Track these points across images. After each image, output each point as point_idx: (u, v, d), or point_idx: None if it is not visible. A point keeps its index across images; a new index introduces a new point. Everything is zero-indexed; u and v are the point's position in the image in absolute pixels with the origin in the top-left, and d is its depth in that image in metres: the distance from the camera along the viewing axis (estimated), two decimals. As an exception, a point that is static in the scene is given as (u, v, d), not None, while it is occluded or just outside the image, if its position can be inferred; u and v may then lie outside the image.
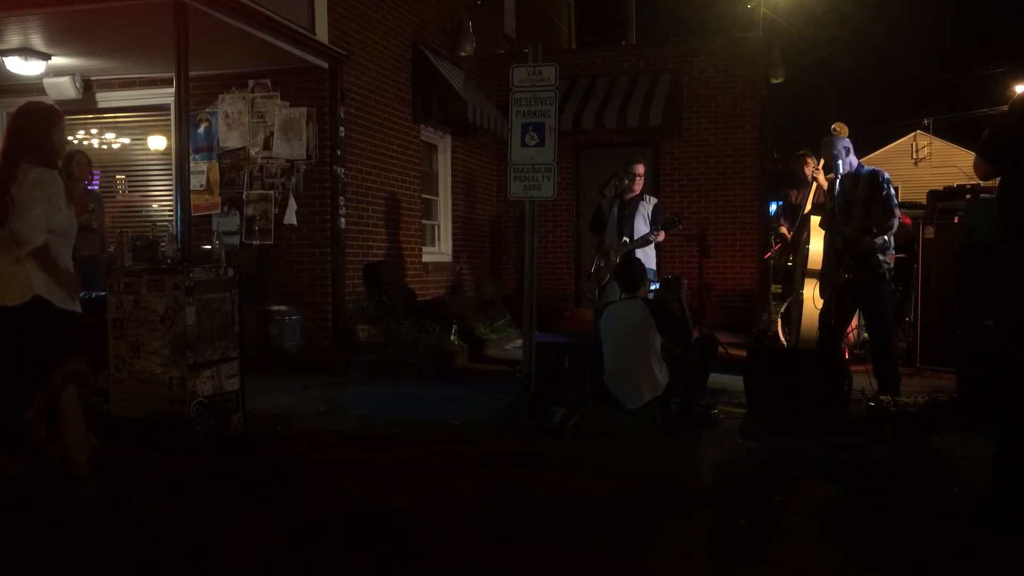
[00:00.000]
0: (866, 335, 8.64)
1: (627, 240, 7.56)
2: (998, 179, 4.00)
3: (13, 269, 3.91)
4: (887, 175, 6.37)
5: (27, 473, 4.05)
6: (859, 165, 6.52)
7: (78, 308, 4.12)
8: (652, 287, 7.32)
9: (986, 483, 3.84)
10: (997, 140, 3.93)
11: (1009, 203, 3.83)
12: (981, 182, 5.04)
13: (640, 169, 7.90)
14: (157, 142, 9.20)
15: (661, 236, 7.65)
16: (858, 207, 6.23)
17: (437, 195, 11.65)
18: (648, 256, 7.66)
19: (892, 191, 6.28)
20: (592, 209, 8.49)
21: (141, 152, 9.36)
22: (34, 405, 4.01)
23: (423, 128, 10.87)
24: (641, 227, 7.62)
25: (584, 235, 10.83)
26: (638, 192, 7.80)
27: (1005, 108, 4.18)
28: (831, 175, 7.19)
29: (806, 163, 8.21)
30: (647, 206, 7.73)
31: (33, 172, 3.94)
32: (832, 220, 6.36)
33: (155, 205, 9.25)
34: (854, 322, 8.65)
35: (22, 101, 8.91)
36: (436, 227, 11.64)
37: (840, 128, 7.00)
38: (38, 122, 4.08)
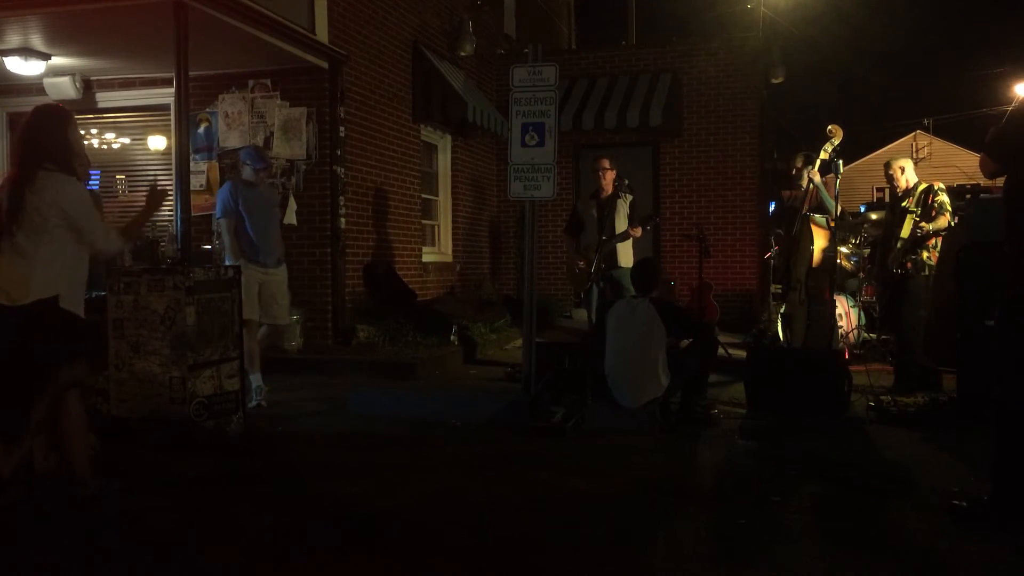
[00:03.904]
0: (867, 335, 8.71)
1: (606, 238, 7.58)
2: (1003, 178, 3.98)
3: (18, 271, 3.92)
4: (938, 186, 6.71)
5: (19, 473, 4.04)
6: (917, 183, 6.80)
7: (82, 311, 4.13)
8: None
9: (986, 483, 3.84)
10: (1005, 138, 3.89)
11: (1015, 202, 3.81)
12: (981, 182, 5.03)
13: (606, 164, 7.94)
14: (157, 142, 9.19)
15: (638, 232, 7.68)
16: (910, 218, 6.57)
17: (437, 195, 11.65)
18: (627, 252, 7.69)
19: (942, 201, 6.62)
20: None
21: (141, 152, 9.35)
22: (40, 406, 4.01)
23: (423, 128, 10.86)
24: (622, 225, 7.67)
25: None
26: (611, 191, 7.83)
27: (1008, 107, 4.13)
28: (830, 175, 7.21)
29: (795, 165, 8.25)
30: (624, 203, 7.77)
31: (54, 182, 3.93)
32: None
33: (155, 205, 9.24)
34: (853, 321, 8.68)
35: (22, 101, 9.02)
36: (436, 227, 11.63)
37: (835, 130, 7.00)
38: (53, 125, 4.06)
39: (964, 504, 3.81)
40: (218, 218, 6.60)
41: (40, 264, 3.91)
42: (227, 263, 6.23)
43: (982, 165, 4.01)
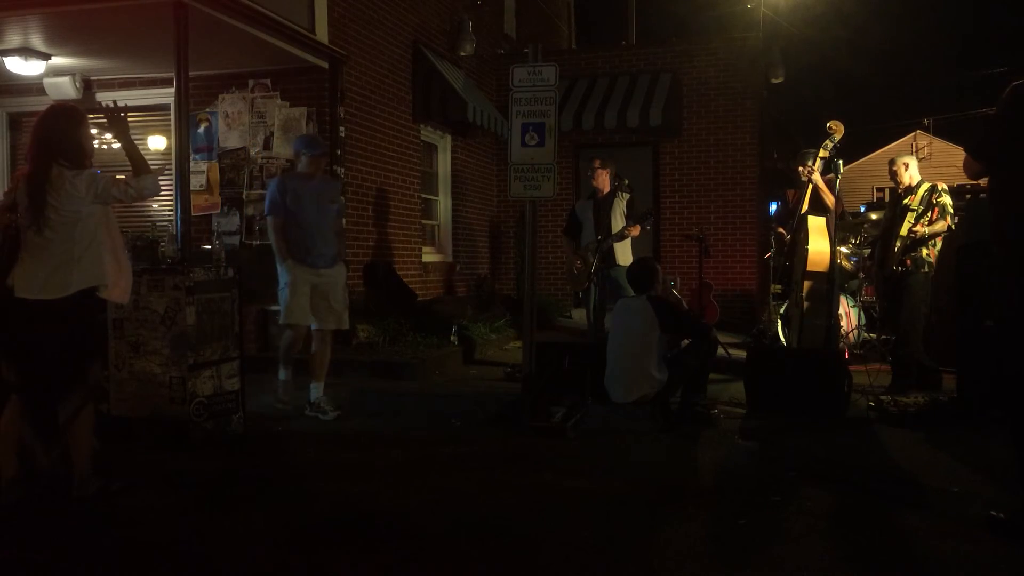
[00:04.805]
0: (867, 335, 8.71)
1: (601, 238, 7.57)
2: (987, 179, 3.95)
3: (50, 272, 3.95)
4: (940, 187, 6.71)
5: (53, 464, 4.09)
6: (920, 181, 6.80)
7: (126, 299, 4.30)
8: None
9: (986, 484, 3.83)
10: (991, 137, 3.86)
11: (1002, 202, 3.79)
12: (982, 182, 5.00)
13: (597, 163, 7.98)
14: (157, 142, 9.19)
15: (636, 231, 7.69)
16: (910, 216, 6.57)
17: (437, 195, 11.65)
18: (625, 251, 7.69)
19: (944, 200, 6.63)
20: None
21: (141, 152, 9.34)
22: (71, 402, 4.03)
23: (423, 128, 10.87)
24: (619, 223, 7.67)
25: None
26: (608, 190, 7.83)
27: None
28: (830, 175, 7.21)
29: (803, 164, 8.25)
30: (621, 202, 7.78)
31: (70, 176, 3.98)
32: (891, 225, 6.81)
33: (155, 205, 9.24)
34: (853, 321, 8.68)
35: (22, 101, 9.00)
36: (436, 227, 11.64)
37: (835, 126, 7.01)
38: (65, 125, 4.09)
39: (1002, 516, 3.63)
40: (265, 216, 6.27)
41: (74, 257, 3.96)
42: (278, 266, 6.01)
43: (966, 166, 3.98)
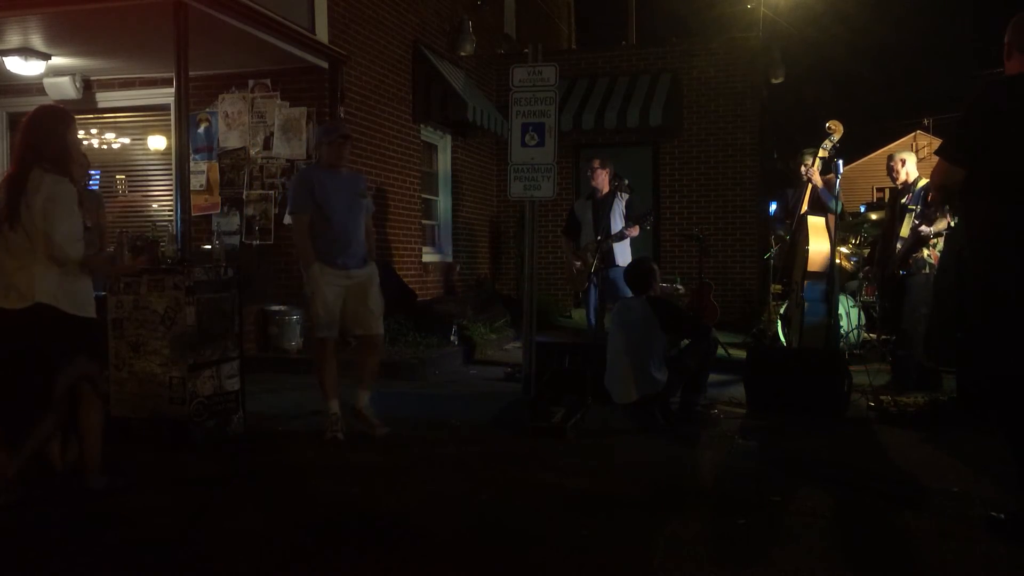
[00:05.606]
0: (867, 335, 8.70)
1: (600, 238, 7.58)
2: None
3: (15, 276, 3.92)
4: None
5: (20, 474, 4.04)
6: (917, 178, 6.77)
7: (93, 313, 4.14)
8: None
9: (986, 484, 3.82)
10: (970, 138, 3.67)
11: (971, 201, 3.72)
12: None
13: (596, 164, 7.98)
14: (157, 142, 9.19)
15: (635, 231, 7.69)
16: (909, 216, 6.55)
17: (437, 195, 11.65)
18: (624, 251, 7.69)
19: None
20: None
21: (141, 152, 9.35)
22: (49, 407, 4.02)
23: (423, 128, 10.87)
24: (617, 223, 7.67)
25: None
26: (607, 190, 7.83)
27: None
28: (830, 175, 7.21)
29: (804, 163, 8.25)
30: (620, 202, 7.77)
31: (46, 181, 3.91)
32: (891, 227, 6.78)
33: (155, 205, 9.25)
34: (853, 321, 8.68)
35: (22, 101, 9.02)
36: (436, 227, 11.64)
37: (835, 126, 7.01)
38: (52, 126, 4.04)
39: (1002, 516, 3.59)
40: (289, 213, 5.62)
41: (40, 266, 3.91)
42: (303, 272, 5.42)
43: (943, 174, 3.70)
